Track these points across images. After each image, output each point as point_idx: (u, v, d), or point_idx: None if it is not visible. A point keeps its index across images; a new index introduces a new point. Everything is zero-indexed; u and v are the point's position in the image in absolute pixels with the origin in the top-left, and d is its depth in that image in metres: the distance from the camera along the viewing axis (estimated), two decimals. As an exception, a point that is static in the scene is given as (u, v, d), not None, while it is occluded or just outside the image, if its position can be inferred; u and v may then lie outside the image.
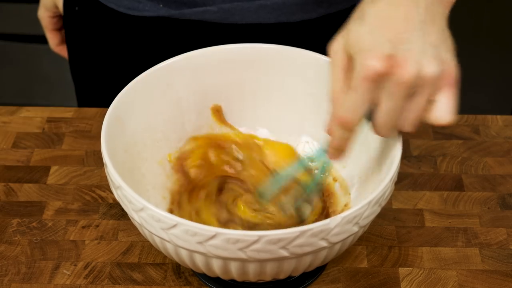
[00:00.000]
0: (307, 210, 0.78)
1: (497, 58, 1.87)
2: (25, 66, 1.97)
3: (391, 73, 0.63)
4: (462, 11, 1.75)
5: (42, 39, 1.14)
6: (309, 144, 0.84)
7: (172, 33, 0.94)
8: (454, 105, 0.65)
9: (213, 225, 0.76)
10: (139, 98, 0.79)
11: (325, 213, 0.79)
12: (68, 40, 1.06)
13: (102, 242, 0.82)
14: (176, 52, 0.82)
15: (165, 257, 0.80)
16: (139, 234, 0.81)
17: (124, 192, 0.68)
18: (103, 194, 0.87)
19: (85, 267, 0.79)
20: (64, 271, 0.79)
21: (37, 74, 1.98)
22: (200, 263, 0.68)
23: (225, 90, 0.84)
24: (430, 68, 0.63)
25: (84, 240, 0.82)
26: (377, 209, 0.69)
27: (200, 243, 0.65)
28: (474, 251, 0.81)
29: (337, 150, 0.69)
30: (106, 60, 1.01)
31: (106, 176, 0.72)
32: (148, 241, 0.72)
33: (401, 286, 0.77)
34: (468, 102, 1.87)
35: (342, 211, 0.79)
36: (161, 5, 0.92)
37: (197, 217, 0.78)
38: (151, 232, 0.68)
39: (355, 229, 0.67)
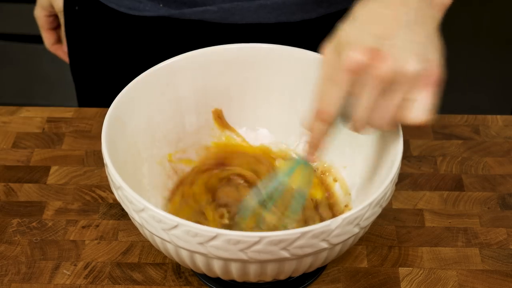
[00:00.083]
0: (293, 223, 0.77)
1: (497, 58, 1.87)
2: (25, 66, 1.97)
3: (371, 66, 0.63)
4: (462, 11, 1.75)
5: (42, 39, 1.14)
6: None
7: (172, 33, 0.94)
8: (431, 105, 0.65)
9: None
10: (139, 98, 0.79)
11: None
12: (68, 40, 1.06)
13: (102, 242, 0.82)
14: (176, 52, 0.82)
15: (165, 257, 0.80)
16: (139, 234, 0.81)
17: (125, 192, 0.68)
18: (103, 194, 0.87)
19: (85, 267, 0.79)
20: (64, 271, 0.79)
21: (37, 74, 1.98)
22: (200, 263, 0.68)
23: (225, 90, 0.84)
24: (411, 65, 0.63)
25: (84, 240, 0.82)
26: (378, 210, 0.69)
27: (201, 243, 0.65)
28: (474, 251, 0.81)
29: (314, 146, 0.70)
30: (106, 60, 1.01)
31: (106, 176, 0.72)
32: (148, 241, 0.72)
33: (401, 286, 0.77)
34: (468, 102, 1.88)
35: (343, 211, 0.79)
36: (161, 5, 0.92)
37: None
38: (151, 233, 0.68)
39: (356, 230, 0.67)
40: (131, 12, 0.94)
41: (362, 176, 0.79)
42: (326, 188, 0.81)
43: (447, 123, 0.95)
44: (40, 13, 1.09)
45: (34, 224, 0.83)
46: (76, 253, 0.80)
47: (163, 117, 0.82)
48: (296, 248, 0.65)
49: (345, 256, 0.80)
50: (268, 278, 0.69)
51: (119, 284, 0.78)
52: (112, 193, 0.85)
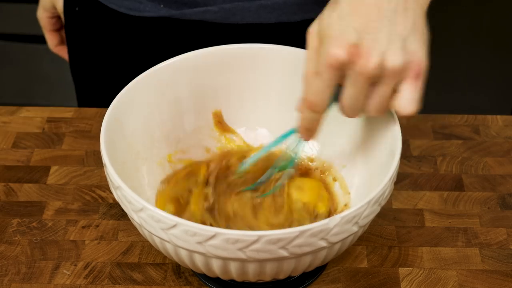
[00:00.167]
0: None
1: (497, 58, 1.87)
2: (25, 66, 1.97)
3: (353, 62, 0.64)
4: (462, 11, 1.75)
5: (42, 39, 1.14)
6: (309, 143, 0.84)
7: (172, 33, 0.94)
8: (418, 96, 0.66)
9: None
10: (139, 98, 0.79)
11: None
12: (68, 40, 1.06)
13: (102, 242, 0.82)
14: (176, 52, 0.82)
15: (165, 257, 0.80)
16: (139, 234, 0.81)
17: (123, 192, 0.68)
18: (103, 194, 0.87)
19: (85, 267, 0.79)
20: (64, 271, 0.79)
21: (37, 74, 1.98)
22: (199, 263, 0.68)
23: (225, 90, 0.84)
24: (393, 59, 0.63)
25: (84, 240, 0.82)
26: (376, 209, 0.69)
27: (199, 243, 0.65)
28: (474, 251, 0.81)
29: (308, 130, 0.71)
30: (106, 60, 1.01)
31: (106, 176, 0.72)
32: (148, 241, 0.72)
33: (401, 286, 0.77)
34: (468, 102, 1.88)
35: (342, 210, 0.79)
36: (161, 6, 0.92)
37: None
38: (150, 233, 0.68)
39: (355, 229, 0.67)
40: (131, 13, 0.94)
41: (361, 175, 0.79)
42: (332, 203, 0.81)
43: (447, 123, 0.95)
44: (42, 15, 1.09)
45: (34, 224, 0.83)
46: (76, 253, 0.80)
47: (162, 117, 0.82)
48: (294, 247, 0.65)
49: (345, 256, 0.80)
50: (268, 278, 0.69)
51: (119, 284, 0.78)
52: (112, 193, 0.85)
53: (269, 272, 0.68)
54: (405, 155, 0.91)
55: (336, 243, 0.67)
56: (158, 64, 0.80)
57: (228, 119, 0.85)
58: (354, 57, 0.63)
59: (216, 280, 0.76)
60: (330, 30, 0.65)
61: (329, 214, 0.79)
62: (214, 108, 0.85)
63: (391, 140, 0.73)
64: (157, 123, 0.81)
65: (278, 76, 0.84)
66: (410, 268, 0.79)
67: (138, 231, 0.77)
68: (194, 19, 0.92)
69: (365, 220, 0.68)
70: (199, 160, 0.83)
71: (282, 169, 0.80)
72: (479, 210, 0.85)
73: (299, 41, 0.86)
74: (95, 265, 0.79)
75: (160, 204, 0.78)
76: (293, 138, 0.76)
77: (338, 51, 0.63)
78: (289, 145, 0.80)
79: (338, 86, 0.67)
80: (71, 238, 0.82)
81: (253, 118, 0.85)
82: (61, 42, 1.12)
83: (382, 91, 0.65)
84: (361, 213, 0.67)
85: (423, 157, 0.91)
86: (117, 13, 0.95)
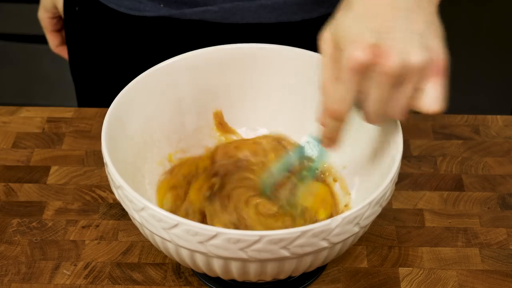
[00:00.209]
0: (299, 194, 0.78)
1: (497, 58, 1.87)
2: (25, 66, 1.97)
3: (376, 63, 0.63)
4: (462, 11, 1.75)
5: (42, 39, 1.14)
6: (309, 144, 0.84)
7: (172, 33, 0.94)
8: (442, 93, 0.65)
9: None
10: (139, 98, 0.79)
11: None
12: (68, 40, 1.06)
13: (102, 242, 0.82)
14: (176, 52, 0.82)
15: (165, 257, 0.80)
16: (139, 234, 0.81)
17: (125, 191, 0.68)
18: (103, 194, 0.87)
19: (85, 267, 0.79)
20: (64, 271, 0.79)
21: (37, 74, 1.98)
22: (201, 263, 0.68)
23: (225, 90, 0.84)
24: (415, 57, 0.63)
25: (84, 240, 0.82)
26: (377, 210, 0.69)
27: (201, 242, 0.65)
28: (474, 251, 0.81)
29: (330, 139, 0.70)
30: (106, 60, 1.01)
31: (106, 176, 0.72)
32: (148, 241, 0.72)
33: (401, 286, 0.77)
34: (468, 102, 1.88)
35: (343, 211, 0.79)
36: (161, 5, 0.92)
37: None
38: (152, 232, 0.68)
39: (356, 229, 0.67)
40: (131, 13, 0.94)
41: (362, 176, 0.79)
42: (335, 208, 0.80)
43: (447, 123, 0.95)
44: (43, 15, 1.09)
45: (34, 224, 0.83)
46: (76, 253, 0.80)
47: (163, 117, 0.82)
48: (296, 247, 0.65)
49: (345, 256, 0.80)
50: (268, 278, 0.69)
51: (119, 284, 0.78)
52: (112, 193, 0.85)
53: (270, 272, 0.68)
54: (405, 155, 0.91)
55: (337, 243, 0.67)
56: (158, 64, 0.80)
57: (228, 119, 0.85)
58: (376, 58, 0.62)
59: (216, 280, 0.76)
60: (347, 33, 0.64)
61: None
62: (214, 108, 0.85)
63: (392, 141, 0.73)
64: (158, 123, 0.81)
65: (278, 76, 0.84)
66: (410, 268, 0.79)
67: (138, 231, 0.77)
68: (194, 18, 0.91)
69: (366, 221, 0.68)
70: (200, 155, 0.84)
71: (302, 179, 0.79)
72: (479, 210, 0.85)
73: (299, 41, 0.86)
74: (95, 265, 0.79)
75: (160, 193, 0.79)
76: (312, 147, 0.76)
77: (359, 54, 0.62)
78: (309, 154, 0.79)
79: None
80: (71, 238, 0.82)
81: (253, 118, 0.85)
82: (62, 43, 1.12)
83: (405, 91, 0.64)
84: (362, 214, 0.67)
85: (423, 157, 0.91)
86: (117, 12, 0.95)
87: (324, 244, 0.66)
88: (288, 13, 0.91)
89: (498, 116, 0.97)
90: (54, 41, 1.12)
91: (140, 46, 0.97)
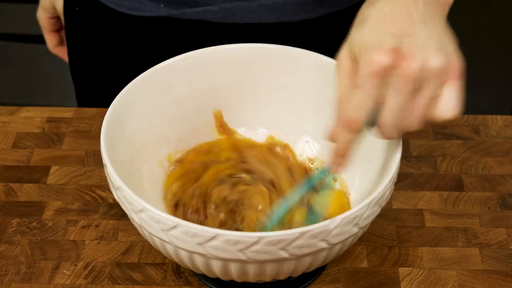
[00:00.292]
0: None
1: (497, 58, 1.87)
2: (25, 66, 1.97)
3: (397, 66, 0.62)
4: (462, 11, 1.75)
5: (42, 39, 1.14)
6: (309, 144, 0.84)
7: (172, 33, 0.94)
8: (459, 99, 0.65)
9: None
10: (139, 98, 0.79)
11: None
12: (68, 40, 1.06)
13: (102, 242, 0.82)
14: (176, 52, 0.82)
15: (165, 257, 0.80)
16: (139, 234, 0.81)
17: (124, 193, 0.68)
18: (103, 194, 0.87)
19: (85, 267, 0.79)
20: (64, 271, 0.79)
21: (37, 74, 1.98)
22: (200, 264, 0.68)
23: (225, 90, 0.84)
24: (435, 60, 0.63)
25: (84, 240, 0.82)
26: (377, 210, 0.69)
27: (200, 244, 0.65)
28: (474, 251, 0.81)
29: (341, 156, 0.68)
30: (106, 60, 1.01)
31: (106, 176, 0.72)
32: (148, 241, 0.72)
33: (401, 286, 0.77)
34: (468, 102, 1.87)
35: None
36: (161, 5, 0.92)
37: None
38: (151, 233, 0.68)
39: (355, 230, 0.67)
40: (131, 12, 0.94)
41: (361, 176, 0.79)
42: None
43: (447, 123, 0.95)
44: (42, 15, 1.09)
45: (34, 224, 0.83)
46: (76, 253, 0.80)
47: (163, 117, 0.82)
48: (295, 248, 0.65)
49: (345, 256, 0.80)
50: (268, 278, 0.69)
51: (119, 284, 0.78)
52: (112, 193, 0.85)
53: (269, 273, 0.68)
54: (405, 155, 0.91)
55: (336, 244, 0.67)
56: (158, 64, 0.80)
57: (228, 119, 0.85)
58: (397, 60, 0.62)
59: (216, 280, 0.76)
60: (365, 41, 0.64)
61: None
62: (214, 108, 0.85)
63: (392, 141, 0.73)
64: (158, 123, 0.81)
65: (278, 76, 0.84)
66: (410, 268, 0.79)
67: (138, 231, 0.77)
68: (194, 18, 0.91)
69: (366, 221, 0.68)
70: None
71: (313, 211, 0.78)
72: (479, 210, 0.85)
73: (299, 41, 0.86)
74: (95, 265, 0.79)
75: (167, 184, 0.80)
76: (321, 174, 0.74)
77: (380, 57, 0.62)
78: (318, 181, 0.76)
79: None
80: (71, 238, 0.82)
81: (253, 118, 0.85)
82: (60, 43, 1.12)
83: (423, 98, 0.64)
84: (362, 214, 0.67)
85: (423, 157, 0.91)
86: (117, 12, 0.95)
87: (323, 245, 0.66)
88: (288, 13, 0.91)
89: (498, 116, 0.97)
90: (52, 41, 1.12)
91: (140, 46, 0.97)
